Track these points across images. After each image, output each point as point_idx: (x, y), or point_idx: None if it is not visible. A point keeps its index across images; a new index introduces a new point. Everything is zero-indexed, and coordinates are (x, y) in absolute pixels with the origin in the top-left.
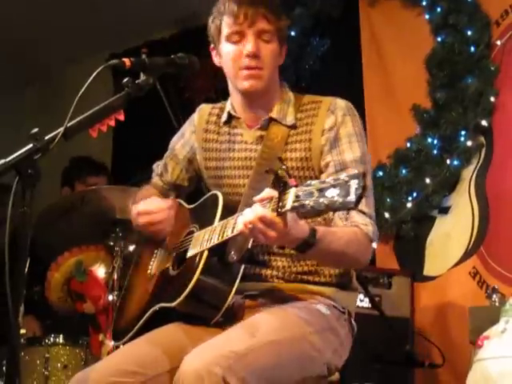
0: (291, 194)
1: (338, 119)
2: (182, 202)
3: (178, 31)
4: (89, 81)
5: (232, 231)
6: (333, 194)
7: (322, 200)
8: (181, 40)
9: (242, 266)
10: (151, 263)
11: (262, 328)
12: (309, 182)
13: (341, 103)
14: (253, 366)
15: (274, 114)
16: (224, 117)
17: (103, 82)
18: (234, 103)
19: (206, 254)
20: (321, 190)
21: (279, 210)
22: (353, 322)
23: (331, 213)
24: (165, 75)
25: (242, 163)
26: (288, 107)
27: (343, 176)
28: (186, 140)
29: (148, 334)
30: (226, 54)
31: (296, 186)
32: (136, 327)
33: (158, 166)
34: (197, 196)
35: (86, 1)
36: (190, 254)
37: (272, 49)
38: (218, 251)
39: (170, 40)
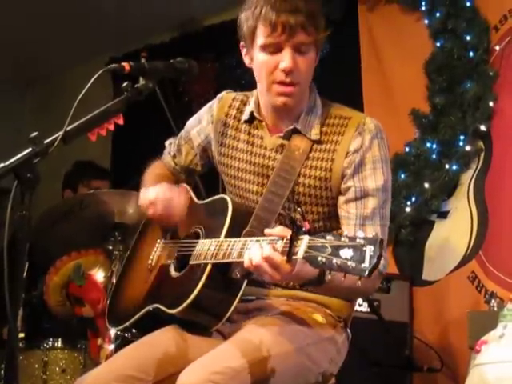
0: (304, 243)
1: (366, 143)
2: (191, 193)
3: (177, 35)
4: (88, 85)
5: (237, 257)
6: (347, 255)
7: (334, 260)
8: (180, 44)
9: (245, 282)
10: (153, 253)
11: (257, 342)
12: (323, 234)
13: (370, 125)
14: (249, 383)
15: (298, 125)
16: (246, 115)
17: (103, 86)
18: (260, 105)
19: (209, 267)
20: (336, 248)
21: (290, 256)
22: (348, 331)
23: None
24: (164, 79)
25: (260, 170)
26: (314, 118)
27: (360, 237)
28: (202, 128)
29: (146, 337)
30: (260, 63)
31: (309, 231)
32: (130, 321)
33: (170, 145)
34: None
35: (86, 4)
36: (193, 261)
37: (309, 61)
38: (222, 267)
39: (169, 44)
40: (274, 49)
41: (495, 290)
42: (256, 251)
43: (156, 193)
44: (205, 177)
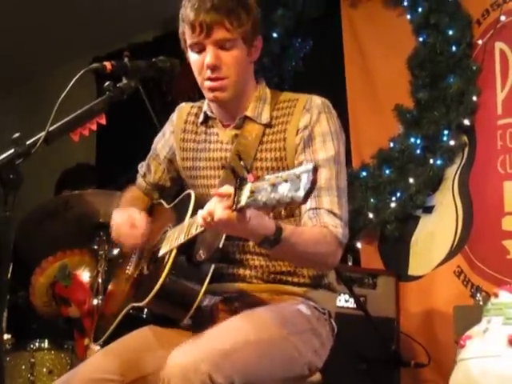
0: (246, 190)
1: (313, 117)
2: (162, 201)
3: (161, 34)
4: (70, 85)
5: (196, 229)
6: (284, 189)
7: (273, 195)
8: (164, 42)
9: (213, 266)
10: (129, 264)
11: (246, 327)
12: (265, 176)
13: (317, 101)
14: (238, 365)
15: (248, 113)
16: (201, 117)
17: (86, 86)
18: (210, 104)
19: (174, 252)
20: (274, 185)
21: (236, 205)
22: (333, 322)
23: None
24: (147, 78)
25: (217, 163)
26: (264, 105)
27: (296, 170)
28: (166, 140)
29: (121, 339)
30: (192, 63)
31: (254, 181)
32: (112, 327)
33: (141, 167)
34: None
35: (69, 4)
36: (161, 253)
37: (235, 55)
38: (187, 250)
39: (153, 43)
40: (198, 48)
41: (481, 285)
42: (206, 209)
43: (114, 220)
44: None
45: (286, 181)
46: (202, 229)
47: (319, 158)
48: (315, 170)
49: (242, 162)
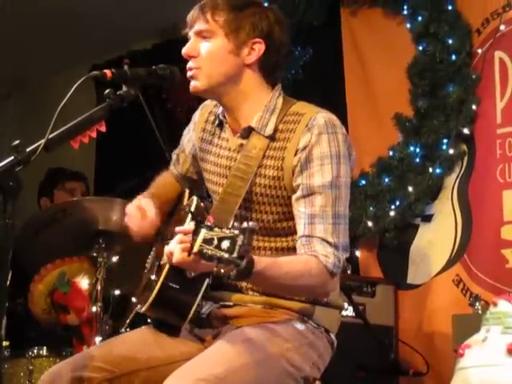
0: (200, 237)
1: (313, 139)
2: (186, 194)
3: (160, 42)
4: (70, 93)
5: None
6: (225, 246)
7: (214, 252)
8: (163, 50)
9: (206, 280)
10: (148, 261)
11: (239, 350)
12: (215, 226)
13: (320, 120)
14: None
15: (253, 124)
16: (217, 120)
17: (86, 94)
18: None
19: (167, 266)
20: (220, 240)
21: (190, 251)
22: (332, 336)
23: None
24: (147, 86)
25: (223, 171)
26: (271, 116)
27: (236, 229)
28: (190, 136)
29: (122, 335)
30: None
31: (208, 227)
32: (126, 323)
33: (174, 154)
34: None
35: (68, 12)
36: (162, 261)
37: (210, 46)
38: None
39: (152, 50)
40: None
41: (480, 293)
42: (168, 247)
43: (127, 210)
44: None
45: (227, 238)
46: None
47: (315, 184)
48: (251, 231)
49: (202, 204)
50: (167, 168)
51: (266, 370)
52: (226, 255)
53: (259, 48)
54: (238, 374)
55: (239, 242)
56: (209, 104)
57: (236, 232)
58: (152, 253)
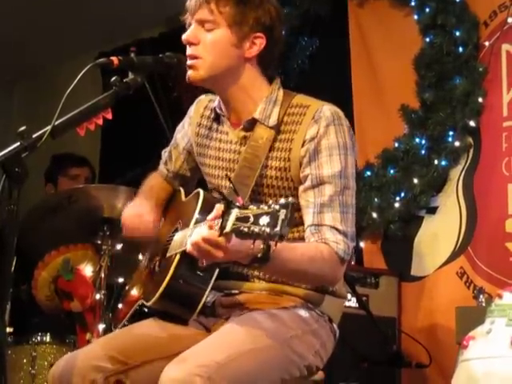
0: (232, 216)
1: (321, 130)
2: (181, 191)
3: (167, 30)
4: (76, 80)
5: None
6: (264, 222)
7: (252, 228)
8: (170, 39)
9: (216, 271)
10: (145, 258)
11: (241, 336)
12: (249, 204)
13: (326, 112)
14: (233, 376)
15: (257, 115)
16: (212, 114)
17: (92, 81)
18: (220, 100)
19: (177, 258)
20: (256, 216)
21: (221, 231)
22: (334, 326)
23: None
24: (153, 74)
25: (227, 165)
26: (273, 107)
27: (276, 205)
28: (185, 131)
29: (131, 325)
30: None
31: (241, 206)
32: (123, 320)
33: (164, 153)
34: None
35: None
36: (168, 254)
37: (213, 37)
38: (190, 256)
39: (159, 39)
40: (188, 28)
41: (484, 286)
42: (194, 235)
43: (125, 213)
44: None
45: (266, 214)
46: (188, 250)
47: (324, 174)
48: (293, 205)
49: (231, 185)
50: (154, 170)
51: (268, 358)
52: (268, 229)
53: (260, 42)
54: (240, 360)
55: (282, 217)
56: (204, 99)
57: (276, 207)
58: (147, 254)
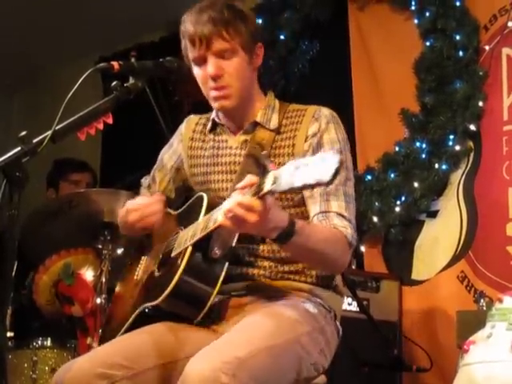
0: (270, 177)
1: (322, 126)
2: (169, 209)
3: (167, 34)
4: (77, 84)
5: (214, 223)
6: (309, 170)
7: (296, 178)
8: (171, 43)
9: (226, 264)
10: (138, 269)
11: (259, 332)
12: (287, 163)
13: (325, 111)
14: (254, 372)
15: (258, 118)
16: (209, 125)
17: (92, 86)
18: (218, 113)
19: (189, 250)
20: (297, 168)
21: (259, 192)
22: (338, 323)
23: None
24: (154, 79)
25: (227, 168)
26: (272, 113)
27: (319, 154)
28: (173, 150)
29: (136, 330)
30: (196, 76)
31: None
32: (122, 329)
33: (145, 179)
34: None
35: (75, 3)
36: (174, 253)
37: (235, 64)
38: (202, 247)
39: (159, 43)
40: (200, 61)
41: (484, 290)
42: (227, 202)
43: (132, 201)
44: None
45: (307, 164)
46: (219, 223)
47: None
48: (341, 153)
49: (263, 152)
50: (134, 196)
51: (283, 355)
52: (317, 175)
53: (261, 51)
54: (258, 357)
55: (330, 161)
56: (193, 117)
57: (319, 156)
58: (142, 261)
